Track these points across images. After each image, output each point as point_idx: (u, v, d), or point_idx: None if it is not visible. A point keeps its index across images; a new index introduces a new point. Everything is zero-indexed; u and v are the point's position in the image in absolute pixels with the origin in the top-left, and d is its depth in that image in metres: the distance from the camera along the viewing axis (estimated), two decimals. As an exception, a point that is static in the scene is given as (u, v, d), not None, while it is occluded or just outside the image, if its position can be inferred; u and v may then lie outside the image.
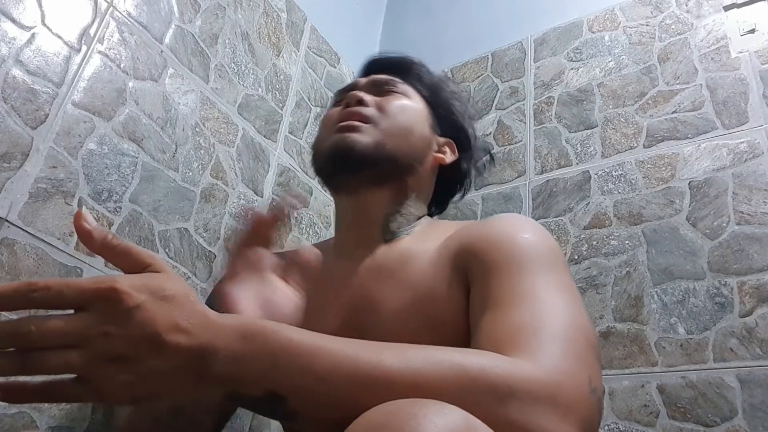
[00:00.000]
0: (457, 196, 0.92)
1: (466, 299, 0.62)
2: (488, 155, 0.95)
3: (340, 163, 0.77)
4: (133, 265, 0.43)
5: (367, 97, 0.80)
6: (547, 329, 0.50)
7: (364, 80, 0.86)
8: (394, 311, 0.66)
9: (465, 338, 0.59)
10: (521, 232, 0.64)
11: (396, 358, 0.43)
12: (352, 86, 0.85)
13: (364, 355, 0.43)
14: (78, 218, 0.43)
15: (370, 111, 0.78)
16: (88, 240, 0.43)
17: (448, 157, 0.84)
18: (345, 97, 0.82)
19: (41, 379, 0.38)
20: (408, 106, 0.81)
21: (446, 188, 0.88)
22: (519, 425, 0.41)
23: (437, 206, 0.91)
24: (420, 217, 0.80)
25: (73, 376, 0.38)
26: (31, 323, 0.37)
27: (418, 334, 0.63)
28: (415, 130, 0.79)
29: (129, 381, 0.38)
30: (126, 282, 0.39)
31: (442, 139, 0.85)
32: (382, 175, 0.77)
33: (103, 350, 0.37)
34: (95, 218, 0.84)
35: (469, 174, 0.90)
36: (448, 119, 0.86)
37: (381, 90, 0.82)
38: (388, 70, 0.86)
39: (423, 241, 0.73)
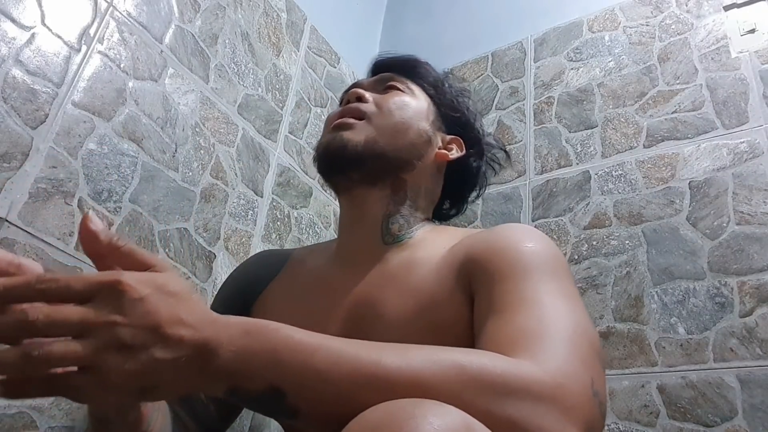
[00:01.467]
0: (473, 194, 0.91)
1: (470, 308, 0.62)
2: (503, 151, 0.95)
3: (332, 163, 0.77)
4: (137, 265, 0.44)
5: (368, 95, 0.80)
6: (550, 333, 0.50)
7: (368, 79, 0.86)
8: (396, 318, 0.65)
9: (468, 346, 0.58)
10: (526, 241, 0.64)
11: (396, 357, 0.43)
12: (355, 85, 0.85)
13: (365, 353, 0.43)
14: (86, 221, 0.44)
15: (367, 107, 0.78)
16: (94, 241, 0.44)
17: (454, 153, 0.83)
18: (347, 95, 0.82)
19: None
20: (407, 102, 0.81)
21: (458, 187, 0.88)
22: (519, 424, 0.41)
23: (453, 206, 0.90)
24: (423, 220, 0.80)
25: (75, 369, 0.38)
26: (39, 312, 0.37)
27: (420, 342, 0.63)
28: (412, 126, 0.79)
29: (133, 370, 0.38)
30: (131, 276, 0.40)
31: (448, 137, 0.84)
32: (374, 173, 0.76)
33: (109, 339, 0.38)
34: (98, 217, 0.84)
35: (479, 171, 0.89)
36: (453, 117, 0.86)
37: (383, 87, 0.82)
38: (393, 69, 0.86)
39: (427, 247, 0.72)
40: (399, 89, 0.82)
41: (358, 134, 0.75)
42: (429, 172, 0.81)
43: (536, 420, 0.41)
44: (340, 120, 0.77)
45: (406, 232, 0.76)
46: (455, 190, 0.87)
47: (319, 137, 0.83)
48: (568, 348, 0.49)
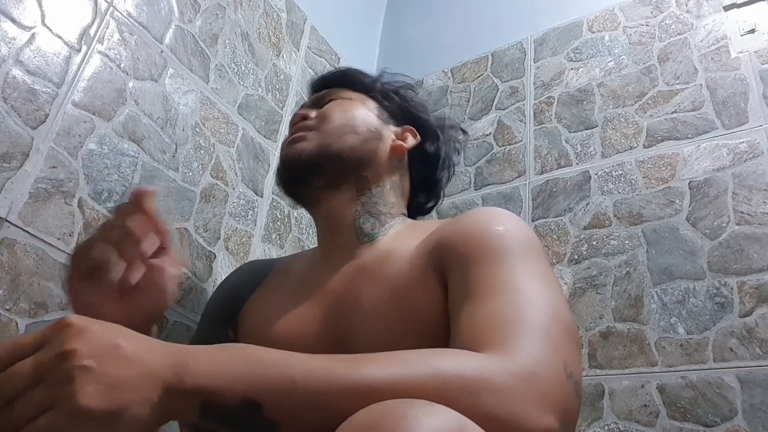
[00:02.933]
0: (443, 178, 0.92)
1: (444, 293, 0.62)
2: (460, 131, 0.96)
3: (292, 175, 0.80)
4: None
5: (310, 112, 0.84)
6: (523, 319, 0.51)
7: (307, 102, 0.90)
8: (373, 310, 0.66)
9: (445, 333, 0.59)
10: (497, 223, 0.64)
11: (370, 364, 0.43)
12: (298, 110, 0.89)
13: (338, 364, 0.43)
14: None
15: (311, 122, 0.82)
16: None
17: (409, 141, 0.85)
18: (291, 121, 0.87)
19: None
20: (346, 105, 0.84)
21: (425, 174, 0.89)
22: (500, 417, 0.41)
23: (429, 196, 0.91)
24: (397, 216, 0.81)
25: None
26: None
27: (398, 332, 0.63)
28: (358, 123, 0.81)
29: (98, 390, 0.37)
30: (73, 316, 0.41)
31: (400, 129, 0.86)
32: (335, 175, 0.79)
33: (66, 368, 0.37)
34: (95, 218, 0.84)
35: (439, 152, 0.90)
36: (398, 108, 0.88)
37: (322, 103, 0.86)
38: (326, 85, 0.90)
39: (402, 241, 0.73)
40: (336, 99, 0.85)
41: (309, 143, 0.79)
42: (389, 166, 0.83)
43: (515, 410, 0.42)
44: (290, 137, 0.82)
45: (379, 230, 0.77)
46: (423, 178, 0.89)
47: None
48: (540, 334, 0.50)
